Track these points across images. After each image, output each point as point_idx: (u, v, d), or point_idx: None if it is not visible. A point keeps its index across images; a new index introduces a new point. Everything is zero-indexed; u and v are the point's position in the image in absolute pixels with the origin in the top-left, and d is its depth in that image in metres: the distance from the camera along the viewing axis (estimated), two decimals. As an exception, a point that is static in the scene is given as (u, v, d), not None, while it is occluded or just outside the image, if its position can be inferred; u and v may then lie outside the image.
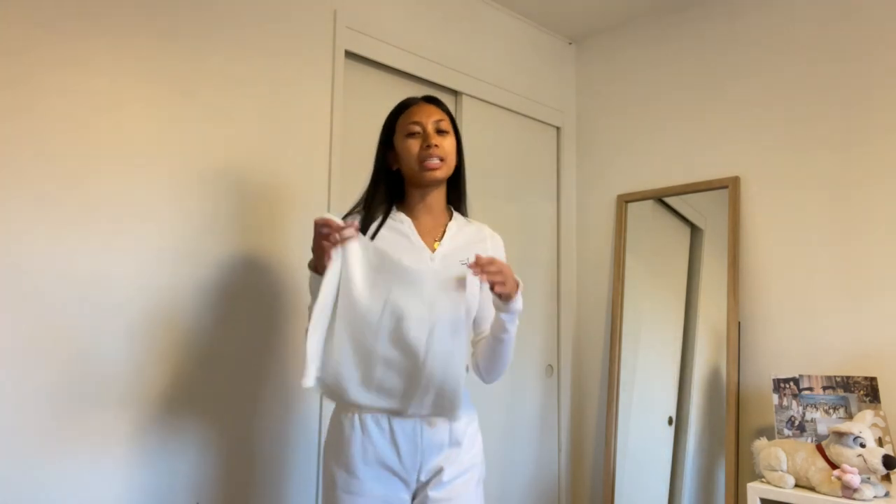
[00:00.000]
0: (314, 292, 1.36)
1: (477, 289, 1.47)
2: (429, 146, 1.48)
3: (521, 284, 1.40)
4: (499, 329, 1.44)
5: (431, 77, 2.47)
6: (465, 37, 2.67)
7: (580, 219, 3.08)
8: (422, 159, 1.48)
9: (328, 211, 2.13)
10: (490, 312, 1.49)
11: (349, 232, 1.31)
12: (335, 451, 1.43)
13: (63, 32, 1.63)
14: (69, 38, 1.64)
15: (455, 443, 1.44)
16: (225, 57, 1.93)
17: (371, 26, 2.31)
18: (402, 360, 1.32)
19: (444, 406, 1.35)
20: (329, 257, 1.30)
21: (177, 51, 1.83)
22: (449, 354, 1.31)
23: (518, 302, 1.40)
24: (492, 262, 1.32)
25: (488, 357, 1.51)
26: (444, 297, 1.32)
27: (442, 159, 1.49)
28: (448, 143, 1.52)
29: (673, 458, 2.60)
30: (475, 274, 1.30)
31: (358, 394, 1.34)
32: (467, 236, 1.57)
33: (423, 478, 1.41)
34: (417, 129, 1.51)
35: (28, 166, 1.56)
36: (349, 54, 2.26)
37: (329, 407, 2.07)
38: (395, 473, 1.40)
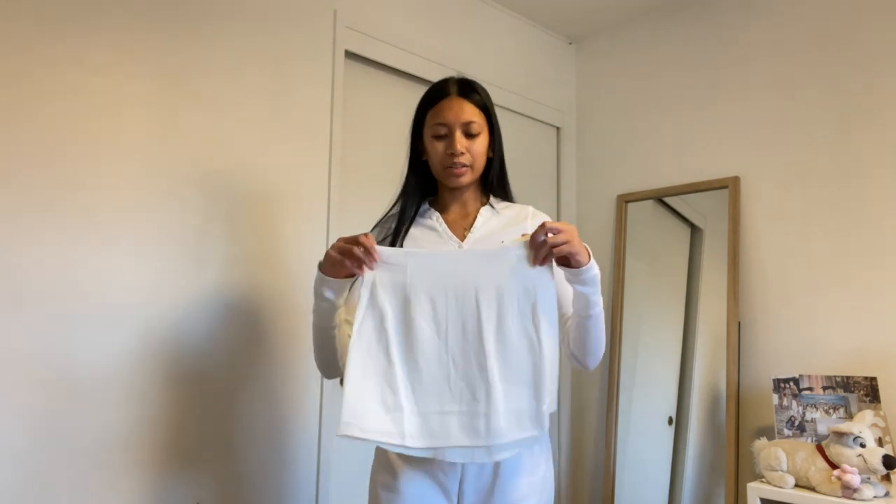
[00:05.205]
0: (319, 295, 1.29)
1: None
2: (453, 153, 1.39)
3: (589, 249, 1.26)
4: (583, 306, 1.31)
5: (432, 77, 2.46)
6: (465, 37, 2.67)
7: (580, 219, 3.07)
8: (446, 164, 1.40)
9: (327, 210, 2.13)
10: (567, 290, 1.35)
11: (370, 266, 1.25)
12: (377, 450, 1.40)
13: (63, 32, 1.63)
14: (69, 38, 1.64)
15: (507, 459, 1.28)
16: (225, 56, 1.93)
17: (371, 26, 2.32)
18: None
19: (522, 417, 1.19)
20: (348, 272, 1.25)
21: (176, 50, 1.83)
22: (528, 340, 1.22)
23: (593, 268, 1.26)
24: (545, 226, 1.19)
25: (581, 340, 1.37)
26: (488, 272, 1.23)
27: (468, 165, 1.40)
28: (478, 146, 1.41)
29: (673, 458, 2.60)
30: (533, 246, 1.20)
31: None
32: (505, 219, 1.47)
33: (467, 500, 1.31)
34: (444, 131, 1.40)
35: (26, 165, 1.56)
36: (349, 54, 2.26)
37: (328, 406, 2.08)
38: (434, 478, 1.32)
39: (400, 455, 1.33)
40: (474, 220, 1.46)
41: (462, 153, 1.39)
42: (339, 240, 1.27)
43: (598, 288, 1.31)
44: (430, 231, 1.45)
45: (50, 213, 1.59)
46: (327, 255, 1.27)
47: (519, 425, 1.20)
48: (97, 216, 1.66)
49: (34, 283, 1.55)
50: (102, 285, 1.66)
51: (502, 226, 1.45)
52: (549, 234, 1.20)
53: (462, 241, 1.43)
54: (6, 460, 1.49)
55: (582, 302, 1.30)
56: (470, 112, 1.41)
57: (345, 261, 1.24)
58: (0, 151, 1.53)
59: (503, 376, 1.21)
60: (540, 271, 1.25)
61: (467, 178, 1.43)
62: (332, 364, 1.39)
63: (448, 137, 1.40)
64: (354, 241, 1.24)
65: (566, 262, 1.24)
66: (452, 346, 1.23)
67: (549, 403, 1.23)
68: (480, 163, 1.44)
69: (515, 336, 1.23)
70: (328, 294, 1.29)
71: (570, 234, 1.22)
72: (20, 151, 1.55)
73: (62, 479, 1.56)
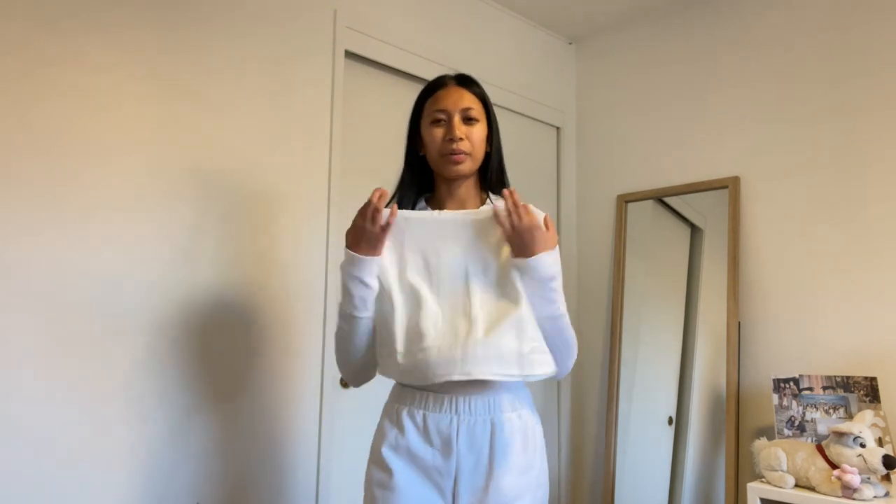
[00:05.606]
0: (354, 278, 1.33)
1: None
2: (451, 139, 1.37)
3: (555, 248, 1.30)
4: (539, 307, 1.32)
5: (431, 77, 2.47)
6: (465, 37, 2.67)
7: (580, 219, 3.08)
8: (444, 151, 1.38)
9: (327, 210, 2.13)
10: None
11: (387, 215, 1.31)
12: (373, 449, 1.40)
13: (62, 31, 1.63)
14: (69, 37, 1.64)
15: (501, 452, 1.30)
16: (224, 56, 1.93)
17: (371, 26, 2.32)
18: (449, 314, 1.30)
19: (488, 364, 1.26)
20: (382, 235, 1.31)
21: (176, 50, 1.83)
22: (489, 298, 1.30)
23: (537, 269, 1.27)
24: (516, 203, 1.26)
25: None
26: (475, 240, 1.33)
27: (467, 153, 1.38)
28: (476, 133, 1.40)
29: (673, 458, 2.60)
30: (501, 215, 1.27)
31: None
32: None
33: (461, 499, 1.30)
34: (443, 116, 1.39)
35: (25, 165, 1.56)
36: (349, 54, 2.26)
37: (328, 406, 2.08)
38: (428, 476, 1.32)
39: (395, 453, 1.34)
40: None
41: (461, 139, 1.37)
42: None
43: (545, 293, 1.31)
44: None
45: (49, 211, 1.59)
46: (353, 229, 1.33)
47: (499, 362, 1.26)
48: (96, 216, 1.66)
49: (32, 282, 1.55)
50: (102, 285, 1.66)
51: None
52: (519, 210, 1.26)
53: None
54: (6, 459, 1.49)
55: (533, 301, 1.33)
56: (469, 99, 1.41)
57: (368, 214, 1.29)
58: None
59: (486, 319, 1.29)
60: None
61: (467, 166, 1.40)
62: (367, 363, 1.42)
63: (447, 123, 1.39)
64: (366, 203, 1.30)
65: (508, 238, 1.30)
66: (442, 297, 1.32)
67: (540, 357, 1.29)
68: (479, 151, 1.42)
69: (499, 288, 1.31)
70: (365, 275, 1.33)
71: (524, 223, 1.26)
72: (19, 150, 1.56)
73: (60, 479, 1.56)
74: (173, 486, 1.74)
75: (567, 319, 1.36)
